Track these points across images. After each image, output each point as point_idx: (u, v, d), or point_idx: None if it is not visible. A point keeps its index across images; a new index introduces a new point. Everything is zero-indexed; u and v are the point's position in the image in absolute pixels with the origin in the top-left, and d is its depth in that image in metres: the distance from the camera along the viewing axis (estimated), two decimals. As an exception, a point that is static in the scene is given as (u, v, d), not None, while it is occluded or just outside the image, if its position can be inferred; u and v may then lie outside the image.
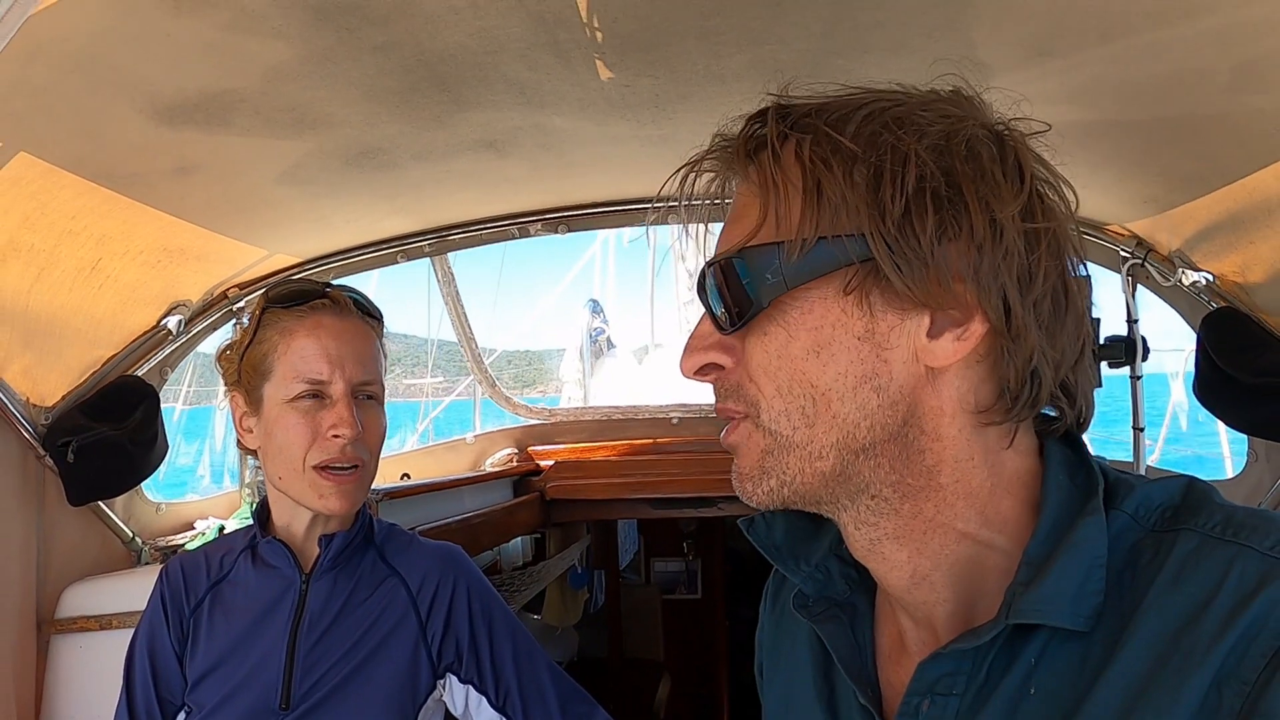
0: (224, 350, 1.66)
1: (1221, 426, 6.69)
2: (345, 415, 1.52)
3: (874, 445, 0.77)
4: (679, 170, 0.85)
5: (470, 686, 1.65)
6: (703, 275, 0.81)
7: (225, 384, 1.65)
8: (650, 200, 2.70)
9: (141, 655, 1.61)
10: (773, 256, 0.76)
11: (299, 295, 1.58)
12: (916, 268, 0.72)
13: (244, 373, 1.58)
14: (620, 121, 2.00)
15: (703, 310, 0.83)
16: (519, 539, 3.71)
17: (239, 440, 1.64)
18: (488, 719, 1.65)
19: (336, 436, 1.52)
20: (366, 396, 1.58)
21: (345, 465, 1.53)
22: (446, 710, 1.70)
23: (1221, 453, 7.00)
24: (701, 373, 0.83)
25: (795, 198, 0.76)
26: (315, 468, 1.52)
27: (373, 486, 1.67)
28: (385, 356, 1.67)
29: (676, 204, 0.86)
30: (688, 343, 0.84)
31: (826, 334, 0.75)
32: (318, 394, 1.53)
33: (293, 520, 1.61)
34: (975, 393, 0.77)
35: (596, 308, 7.42)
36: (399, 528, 1.75)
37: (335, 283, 1.63)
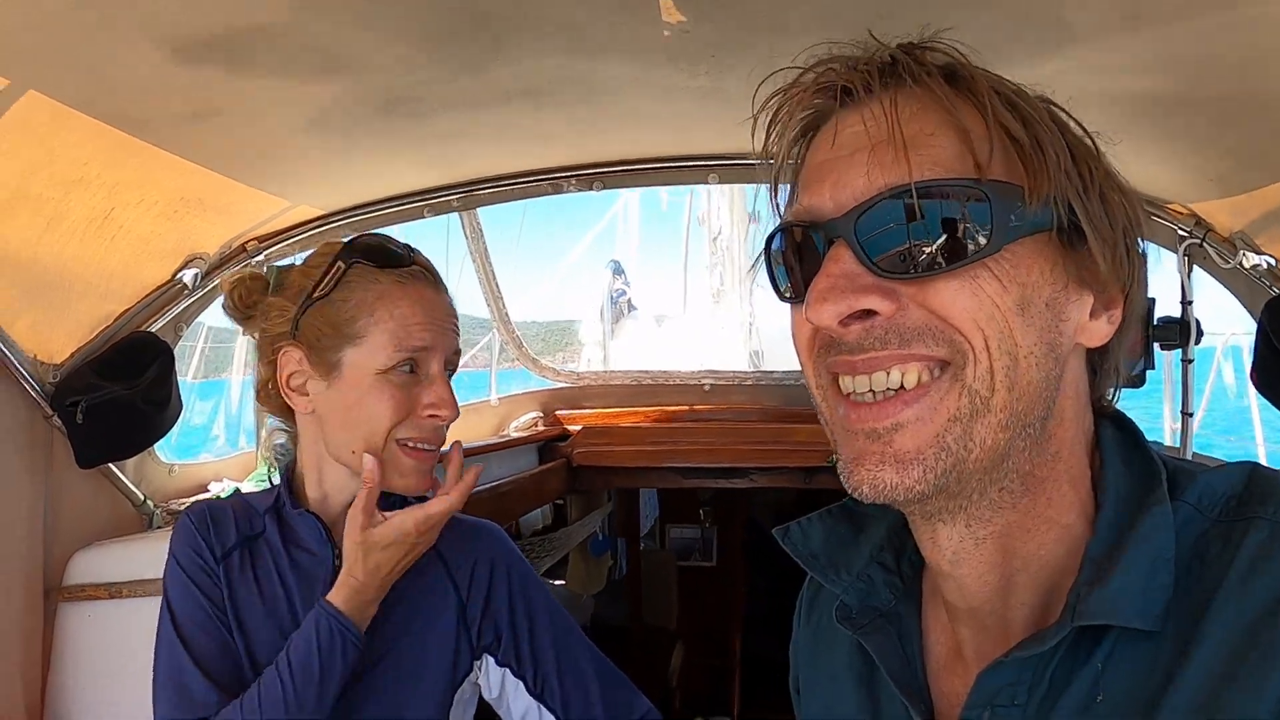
0: (246, 285, 1.51)
1: (1258, 419, 6.60)
2: (445, 395, 1.43)
3: (1035, 423, 0.73)
4: (812, 66, 0.80)
5: (507, 670, 1.55)
6: (891, 199, 0.71)
7: (266, 332, 1.49)
8: (693, 158, 2.64)
9: (188, 593, 1.44)
10: (1016, 198, 0.71)
11: (393, 255, 1.45)
12: (1110, 246, 0.73)
13: (308, 328, 1.43)
14: (672, 71, 1.87)
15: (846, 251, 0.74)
16: (539, 505, 3.62)
17: (287, 400, 1.47)
18: (524, 706, 1.56)
19: (433, 416, 1.42)
20: (449, 372, 1.49)
21: (433, 445, 1.45)
22: (480, 695, 1.61)
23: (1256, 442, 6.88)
24: (845, 322, 0.73)
25: (1011, 144, 0.73)
26: (400, 443, 1.42)
27: None
28: None
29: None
30: (828, 283, 0.73)
31: (1029, 293, 0.72)
32: (413, 367, 1.42)
33: (333, 493, 1.50)
34: (1086, 373, 0.78)
35: (618, 269, 7.35)
36: None
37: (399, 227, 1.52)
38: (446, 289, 1.52)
